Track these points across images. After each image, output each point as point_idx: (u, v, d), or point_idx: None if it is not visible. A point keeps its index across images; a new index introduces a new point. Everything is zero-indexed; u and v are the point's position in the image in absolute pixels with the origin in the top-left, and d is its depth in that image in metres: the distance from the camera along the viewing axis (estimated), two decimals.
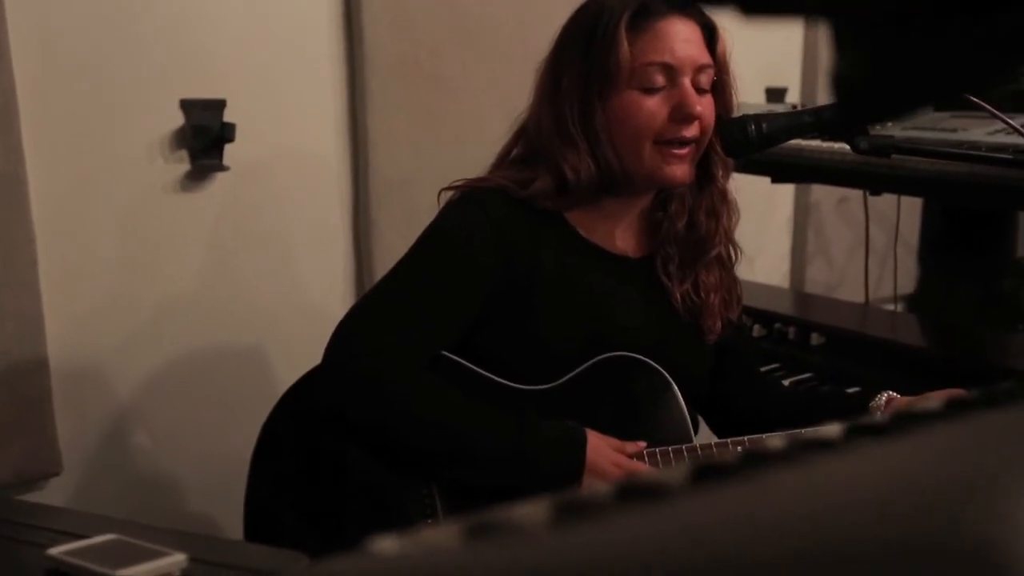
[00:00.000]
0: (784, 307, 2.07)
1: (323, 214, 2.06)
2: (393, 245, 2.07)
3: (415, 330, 1.26)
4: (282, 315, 2.04)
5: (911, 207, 2.42)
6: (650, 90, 1.26)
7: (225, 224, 1.96)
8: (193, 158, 1.89)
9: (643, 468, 1.23)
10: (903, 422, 0.38)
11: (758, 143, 1.22)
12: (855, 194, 2.50)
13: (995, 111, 1.17)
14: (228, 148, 1.89)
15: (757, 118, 1.22)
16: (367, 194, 2.05)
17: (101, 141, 1.80)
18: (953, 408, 0.41)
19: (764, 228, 2.56)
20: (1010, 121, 1.19)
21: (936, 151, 1.38)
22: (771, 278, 2.61)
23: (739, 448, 1.23)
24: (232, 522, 1.97)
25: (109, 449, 1.89)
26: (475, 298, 1.29)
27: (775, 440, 0.38)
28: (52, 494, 1.80)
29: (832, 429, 0.38)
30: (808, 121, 1.22)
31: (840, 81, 0.43)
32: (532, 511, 0.44)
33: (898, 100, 0.43)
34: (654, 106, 1.26)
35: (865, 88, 0.42)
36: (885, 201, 2.29)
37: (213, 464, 1.98)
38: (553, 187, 1.29)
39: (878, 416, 0.43)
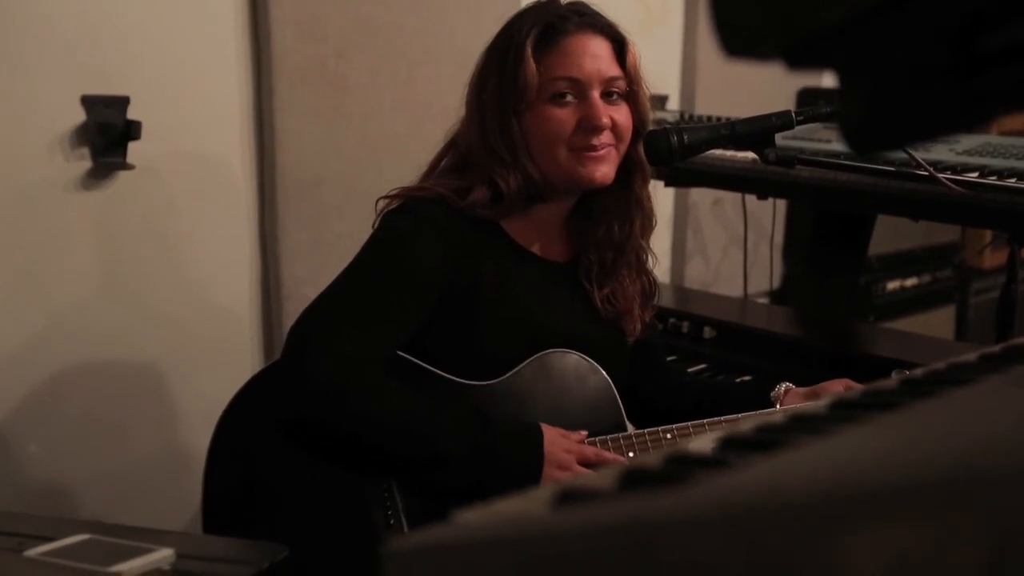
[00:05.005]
0: (673, 303, 2.21)
1: (228, 214, 2.05)
2: (299, 246, 2.09)
3: (372, 337, 1.29)
4: (187, 316, 2.01)
5: (779, 208, 2.62)
6: (560, 103, 1.34)
7: (128, 224, 1.92)
8: (95, 156, 1.85)
9: (592, 451, 1.31)
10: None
11: (680, 153, 1.32)
12: (728, 196, 2.68)
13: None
14: (132, 146, 1.86)
15: (679, 130, 1.33)
16: (273, 195, 2.05)
17: None
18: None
19: None
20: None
21: (834, 163, 1.53)
22: None
23: (668, 436, 1.34)
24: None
25: (3, 457, 1.82)
26: (425, 303, 1.34)
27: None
28: None
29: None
30: (724, 134, 1.33)
31: (848, 122, 0.53)
32: (602, 480, 0.51)
33: (896, 140, 0.53)
34: (565, 116, 1.34)
35: (869, 130, 0.52)
36: (755, 203, 2.47)
37: (114, 469, 1.94)
38: (488, 198, 1.36)
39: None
